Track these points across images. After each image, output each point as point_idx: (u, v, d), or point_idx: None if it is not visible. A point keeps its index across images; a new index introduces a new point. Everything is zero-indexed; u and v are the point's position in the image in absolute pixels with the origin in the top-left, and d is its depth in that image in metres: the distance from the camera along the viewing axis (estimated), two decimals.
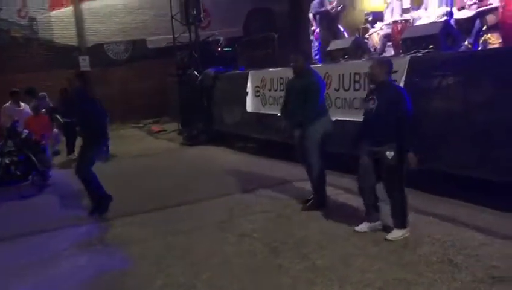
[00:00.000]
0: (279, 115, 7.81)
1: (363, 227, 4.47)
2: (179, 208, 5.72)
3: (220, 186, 6.59)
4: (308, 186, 5.50)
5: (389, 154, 4.10)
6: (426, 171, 5.25)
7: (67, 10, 13.47)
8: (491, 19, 6.72)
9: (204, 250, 4.36)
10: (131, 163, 9.12)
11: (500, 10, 6.00)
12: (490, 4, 6.81)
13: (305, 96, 5.04)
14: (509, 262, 3.59)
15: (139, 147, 10.89)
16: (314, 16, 9.52)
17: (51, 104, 10.09)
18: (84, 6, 13.58)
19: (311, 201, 5.29)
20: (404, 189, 4.22)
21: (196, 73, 10.65)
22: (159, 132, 12.76)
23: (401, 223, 4.24)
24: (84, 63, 13.53)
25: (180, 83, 11.34)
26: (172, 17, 11.66)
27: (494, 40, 6.60)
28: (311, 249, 4.17)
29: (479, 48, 6.61)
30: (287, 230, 4.69)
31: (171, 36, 11.85)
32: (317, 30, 9.48)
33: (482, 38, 6.80)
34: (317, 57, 9.33)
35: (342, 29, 9.80)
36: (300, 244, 4.31)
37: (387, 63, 4.45)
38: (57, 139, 9.54)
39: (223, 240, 4.57)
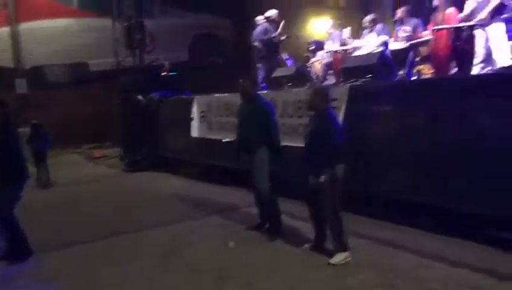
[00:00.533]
0: (224, 140, 7.89)
1: (308, 247, 4.62)
2: (120, 237, 5.51)
3: (164, 213, 6.46)
4: (255, 211, 5.51)
5: (322, 177, 4.22)
6: (366, 196, 5.44)
7: (3, 31, 12.92)
8: (423, 50, 7.16)
9: (146, 282, 4.22)
10: (70, 191, 8.73)
11: (432, 43, 6.40)
12: (422, 37, 7.26)
13: (253, 121, 5.09)
14: (448, 284, 3.75)
15: (78, 173, 10.48)
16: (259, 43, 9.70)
17: None
18: (22, 27, 13.08)
19: (267, 226, 5.29)
20: (340, 212, 4.32)
21: (140, 97, 10.49)
22: (100, 157, 12.35)
23: (342, 246, 4.34)
24: (21, 85, 12.96)
25: (123, 108, 11.10)
26: (115, 40, 11.49)
27: (426, 71, 7.02)
28: (257, 276, 4.16)
29: (413, 78, 6.99)
30: (233, 258, 4.65)
31: (114, 60, 11.65)
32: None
33: (416, 68, 7.21)
34: (263, 84, 9.49)
35: (286, 57, 10.07)
36: (247, 272, 4.28)
37: (323, 92, 4.64)
38: None
39: (167, 270, 4.45)
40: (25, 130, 11.12)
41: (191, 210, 6.55)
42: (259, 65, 9.51)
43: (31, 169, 9.57)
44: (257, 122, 5.06)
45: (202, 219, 6.12)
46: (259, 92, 5.97)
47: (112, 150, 12.57)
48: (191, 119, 8.89)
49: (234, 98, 7.90)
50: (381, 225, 5.22)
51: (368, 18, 8.40)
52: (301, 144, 5.57)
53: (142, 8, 11.38)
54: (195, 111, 8.86)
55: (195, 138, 8.86)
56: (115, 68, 11.80)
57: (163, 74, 10.98)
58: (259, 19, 9.43)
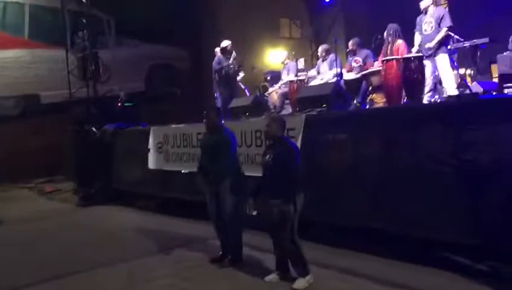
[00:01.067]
0: (183, 171, 7.77)
1: (272, 278, 4.55)
2: (73, 277, 5.21)
3: (120, 250, 6.20)
4: (215, 243, 5.42)
5: (285, 205, 4.22)
6: (323, 223, 5.46)
7: None
8: (375, 80, 7.40)
9: None
10: (19, 228, 8.25)
11: (382, 73, 6.62)
12: (374, 67, 7.52)
13: (218, 152, 5.08)
14: None
15: (29, 209, 9.96)
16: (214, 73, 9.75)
17: None
18: None
19: (229, 258, 5.19)
20: (297, 238, 4.34)
21: (94, 129, 10.23)
22: (53, 192, 11.85)
23: (303, 270, 4.36)
24: None
25: (76, 140, 10.77)
26: (69, 72, 11.24)
27: (379, 100, 7.25)
28: None
29: (367, 107, 7.19)
30: None
31: (68, 91, 11.36)
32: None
33: (369, 97, 7.44)
34: None
35: (243, 87, 10.15)
36: None
37: (281, 121, 4.69)
38: None
39: None
40: None
41: (147, 245, 6.32)
42: (216, 95, 9.53)
43: None
44: (222, 153, 5.06)
45: (159, 253, 5.91)
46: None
47: (65, 184, 12.09)
48: (148, 150, 8.72)
49: (191, 129, 7.87)
50: (339, 253, 5.21)
51: (322, 48, 8.66)
52: (260, 174, 5.63)
53: (96, 39, 11.24)
54: (151, 142, 8.71)
55: (152, 170, 8.68)
56: (67, 100, 11.49)
57: (118, 105, 10.79)
58: (217, 50, 9.52)
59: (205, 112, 5.32)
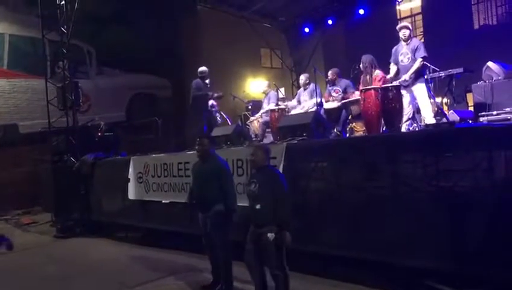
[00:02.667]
0: (164, 201, 7.67)
1: None
2: None
3: (99, 284, 6.04)
4: (200, 273, 5.44)
5: (271, 235, 4.21)
6: (303, 252, 5.42)
7: None
8: (355, 109, 7.52)
9: None
10: None
11: (361, 102, 6.73)
12: (353, 96, 7.65)
13: (211, 180, 5.08)
14: None
15: None
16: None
17: None
18: None
19: (220, 286, 5.14)
20: (286, 266, 4.31)
21: (73, 159, 10.09)
22: (30, 224, 11.53)
23: None
24: None
25: (55, 171, 10.57)
26: (48, 101, 11.13)
27: (359, 128, 7.35)
28: None
29: (347, 135, 7.27)
30: None
31: (47, 121, 11.22)
32: None
33: (349, 126, 7.53)
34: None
35: (225, 116, 10.19)
36: None
37: (266, 149, 4.75)
38: None
39: None
40: None
41: (127, 278, 6.16)
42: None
43: None
44: (215, 181, 5.07)
45: (140, 286, 5.76)
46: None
47: (42, 216, 11.78)
48: (128, 180, 8.62)
49: (172, 158, 7.82)
50: (320, 282, 5.17)
51: (303, 77, 8.80)
52: (240, 203, 5.61)
53: (77, 69, 11.21)
54: (131, 172, 8.61)
55: (133, 200, 8.55)
56: (46, 130, 11.33)
57: (98, 134, 10.69)
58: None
59: (198, 139, 5.36)
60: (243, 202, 5.92)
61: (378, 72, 7.17)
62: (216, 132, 8.35)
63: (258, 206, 4.37)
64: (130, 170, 8.63)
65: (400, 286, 4.72)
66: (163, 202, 7.70)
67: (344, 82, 8.12)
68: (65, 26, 10.52)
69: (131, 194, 8.55)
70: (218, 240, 5.10)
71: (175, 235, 7.40)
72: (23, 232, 10.89)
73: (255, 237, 4.37)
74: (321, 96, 8.26)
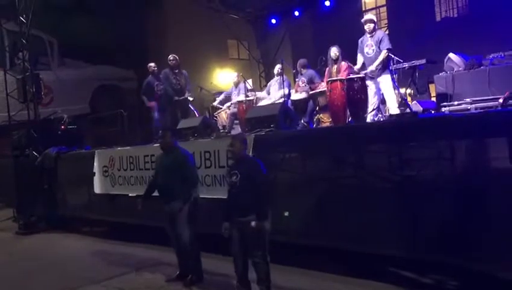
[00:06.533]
0: (131, 194, 7.55)
1: None
2: None
3: (62, 279, 5.90)
4: (168, 265, 5.42)
5: (254, 223, 4.25)
6: (275, 242, 5.45)
7: None
8: (322, 100, 7.57)
9: None
10: None
11: (328, 93, 6.79)
12: (319, 87, 7.71)
13: (173, 172, 5.13)
14: None
15: None
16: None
17: None
18: None
19: (190, 277, 5.16)
20: (267, 255, 4.35)
21: (35, 153, 9.79)
22: None
23: (268, 287, 4.37)
24: None
25: (16, 165, 10.24)
26: (7, 94, 10.73)
27: (325, 119, 7.40)
28: None
29: (313, 126, 7.33)
30: None
31: (6, 114, 10.82)
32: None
33: (316, 117, 7.59)
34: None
35: (192, 108, 10.07)
36: None
37: (242, 138, 4.79)
38: None
39: None
40: None
41: (93, 272, 6.05)
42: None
43: None
44: (178, 173, 5.12)
45: (107, 280, 5.68)
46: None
47: (3, 212, 11.41)
48: (93, 174, 8.44)
49: (138, 151, 7.70)
50: (287, 271, 5.20)
51: (278, 66, 8.75)
52: (211, 195, 5.61)
53: (38, 60, 10.85)
54: (96, 166, 8.43)
55: (98, 194, 8.39)
56: (6, 123, 10.94)
57: (61, 127, 10.40)
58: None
59: (160, 132, 5.40)
60: (211, 194, 5.94)
61: (343, 63, 7.24)
62: (183, 124, 8.25)
63: (240, 196, 4.39)
64: (95, 163, 8.46)
65: (364, 273, 4.82)
66: (129, 195, 7.58)
67: (310, 73, 8.16)
68: (24, 16, 10.15)
69: (97, 188, 8.39)
70: (183, 232, 5.11)
71: (141, 228, 7.30)
72: None
73: (238, 226, 4.39)
74: (289, 88, 8.28)
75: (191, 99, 9.24)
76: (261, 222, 4.27)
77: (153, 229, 6.31)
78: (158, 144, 5.75)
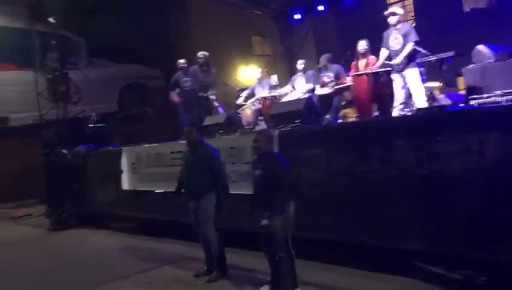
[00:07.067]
0: (157, 191, 7.67)
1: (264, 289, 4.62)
2: None
3: (94, 274, 6.04)
4: (195, 261, 5.49)
5: (276, 218, 4.28)
6: (300, 238, 5.45)
7: None
8: (347, 95, 7.51)
9: None
10: None
11: (353, 88, 6.74)
12: (345, 82, 7.64)
13: (201, 168, 5.18)
14: None
15: None
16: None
17: None
18: None
19: (215, 273, 5.21)
20: (290, 250, 4.39)
21: (65, 151, 10.03)
22: (23, 216, 11.51)
23: (292, 284, 4.43)
24: None
25: (47, 163, 10.52)
26: (38, 93, 11.03)
27: (351, 114, 7.34)
28: None
29: (339, 122, 7.27)
30: None
31: (37, 113, 11.13)
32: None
33: (342, 112, 7.52)
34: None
35: (216, 104, 10.13)
36: None
37: (267, 134, 4.82)
38: None
39: None
40: None
41: (123, 268, 6.19)
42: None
43: None
44: (205, 169, 5.16)
45: (136, 275, 5.78)
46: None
47: (36, 208, 11.75)
48: (121, 171, 8.59)
49: (165, 148, 7.81)
50: (318, 267, 5.20)
51: (300, 63, 8.73)
52: (236, 191, 5.64)
53: (67, 60, 11.10)
54: (124, 163, 8.59)
55: (127, 191, 8.54)
56: (37, 122, 11.25)
57: (89, 126, 10.62)
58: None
59: (185, 129, 5.54)
60: (236, 190, 5.96)
61: (371, 57, 7.15)
62: (208, 120, 8.31)
63: (262, 192, 4.43)
64: (123, 160, 8.61)
65: (390, 268, 4.76)
66: (156, 191, 7.69)
67: (335, 68, 8.08)
68: (53, 17, 10.39)
69: (125, 185, 8.53)
70: (208, 228, 5.16)
71: (169, 224, 7.41)
72: (16, 225, 10.87)
73: (263, 222, 4.42)
74: (315, 83, 8.24)
75: (212, 97, 9.30)
76: (275, 218, 4.29)
77: (180, 225, 6.38)
78: (184, 141, 5.81)
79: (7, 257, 7.73)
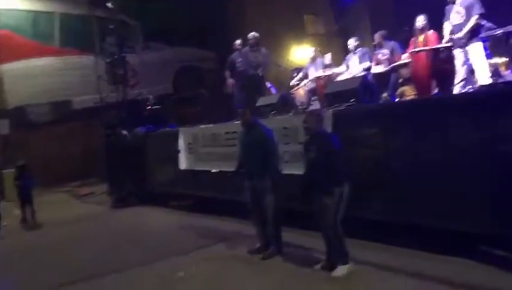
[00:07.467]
0: (213, 171, 7.83)
1: (320, 266, 4.68)
2: (108, 277, 5.35)
3: (153, 250, 6.31)
4: (251, 238, 5.59)
5: (328, 196, 4.35)
6: (356, 218, 5.40)
7: None
8: (404, 72, 7.26)
9: None
10: (55, 231, 8.53)
11: (412, 64, 6.49)
12: (401, 59, 7.38)
13: (256, 148, 5.26)
14: None
15: (65, 212, 10.26)
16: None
17: None
18: (4, 67, 13.01)
19: (270, 250, 5.32)
20: (339, 227, 4.44)
21: (125, 132, 10.43)
22: (87, 195, 12.16)
23: (344, 259, 4.49)
24: (3, 126, 12.80)
25: (108, 144, 11.00)
26: (98, 77, 11.49)
27: (409, 92, 7.09)
28: None
29: (396, 100, 7.06)
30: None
31: (98, 96, 11.62)
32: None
33: (399, 90, 7.29)
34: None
35: (269, 85, 10.14)
36: None
37: (318, 114, 4.84)
38: None
39: None
40: (9, 171, 11.02)
41: (182, 243, 6.42)
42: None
43: (16, 211, 9.49)
44: (259, 149, 5.23)
45: (194, 251, 5.99)
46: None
47: (98, 187, 12.38)
48: (178, 151, 8.83)
49: (220, 129, 7.93)
50: (372, 247, 5.15)
51: (351, 41, 8.55)
52: (288, 171, 5.65)
53: (124, 44, 11.46)
54: (181, 143, 8.81)
55: (184, 170, 8.78)
56: (98, 104, 11.75)
57: (147, 107, 10.96)
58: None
59: (240, 110, 5.63)
60: (290, 170, 5.95)
61: (430, 33, 6.84)
62: (261, 101, 8.33)
63: (316, 172, 4.47)
64: (180, 141, 8.83)
65: (453, 251, 4.63)
66: (212, 171, 7.85)
67: (391, 44, 7.83)
68: (112, 3, 10.72)
69: (182, 165, 8.77)
70: (265, 206, 5.24)
71: (225, 202, 7.56)
72: (81, 202, 11.51)
73: (318, 200, 4.50)
74: (370, 61, 8.03)
75: (262, 74, 9.30)
76: (327, 197, 4.33)
77: (236, 204, 6.50)
78: (239, 122, 5.88)
79: (76, 231, 8.25)
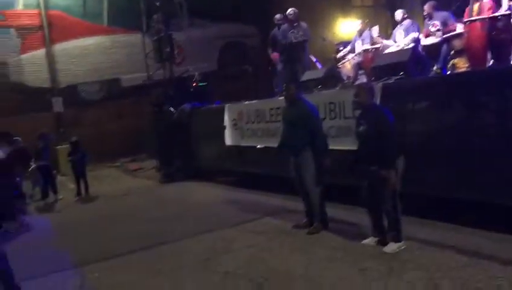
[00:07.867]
0: (258, 146, 7.89)
1: (369, 241, 4.70)
2: (160, 248, 5.55)
3: (201, 222, 6.47)
4: (296, 213, 5.64)
5: (384, 171, 4.28)
6: (406, 194, 5.29)
7: (39, 53, 13.32)
8: (457, 44, 6.93)
9: None
10: (109, 204, 8.94)
11: (465, 36, 6.20)
12: (454, 30, 7.05)
13: (297, 124, 5.22)
14: (493, 283, 3.58)
15: (116, 186, 10.69)
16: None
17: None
18: (57, 47, 13.49)
19: (315, 224, 5.34)
20: (398, 204, 4.37)
21: (172, 109, 10.63)
22: (137, 170, 12.58)
23: (397, 236, 4.44)
24: (58, 104, 13.36)
25: (156, 120, 11.27)
26: (146, 55, 11.70)
27: (461, 64, 6.79)
28: (297, 282, 4.10)
29: (448, 72, 6.78)
30: (272, 264, 4.61)
31: (146, 74, 11.85)
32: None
33: (450, 63, 6.99)
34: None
35: (314, 59, 9.98)
36: (286, 277, 4.23)
37: (369, 88, 4.72)
38: None
39: (206, 279, 4.44)
40: (63, 147, 11.55)
41: (230, 217, 6.56)
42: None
43: (70, 185, 9.98)
44: (302, 125, 5.18)
45: (240, 225, 6.10)
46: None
47: (147, 162, 12.78)
48: (224, 127, 8.93)
49: (264, 105, 7.93)
50: (423, 224, 5.06)
51: (399, 13, 8.26)
52: (334, 147, 5.59)
53: (170, 22, 11.57)
54: (227, 119, 8.90)
55: (229, 146, 8.89)
56: (146, 82, 12.01)
57: (193, 84, 11.09)
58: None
59: (284, 85, 5.53)
60: (336, 145, 5.90)
61: (485, 1, 6.48)
62: (306, 76, 8.24)
63: (368, 146, 4.42)
64: (225, 117, 8.92)
65: (505, 229, 4.47)
66: (257, 147, 7.90)
67: (442, 15, 7.47)
68: None
69: (228, 140, 8.87)
70: (310, 183, 5.22)
71: (270, 178, 7.62)
72: (132, 177, 11.93)
73: (367, 176, 4.46)
74: (419, 32, 7.72)
75: (302, 50, 9.16)
76: (386, 171, 4.25)
77: (281, 179, 6.53)
78: (283, 97, 5.83)
79: (129, 204, 8.63)
